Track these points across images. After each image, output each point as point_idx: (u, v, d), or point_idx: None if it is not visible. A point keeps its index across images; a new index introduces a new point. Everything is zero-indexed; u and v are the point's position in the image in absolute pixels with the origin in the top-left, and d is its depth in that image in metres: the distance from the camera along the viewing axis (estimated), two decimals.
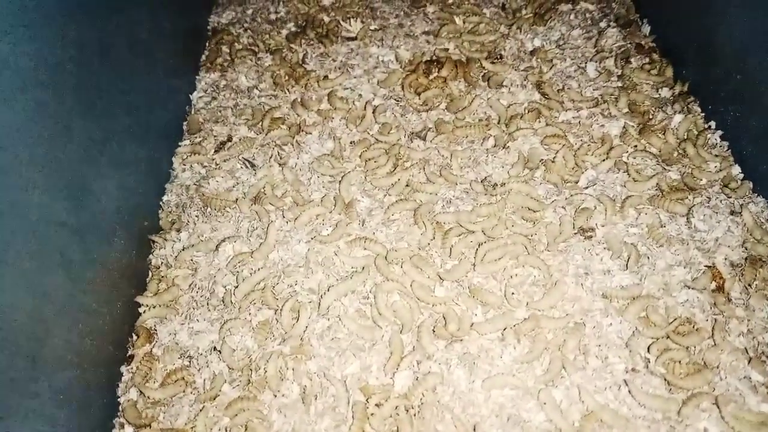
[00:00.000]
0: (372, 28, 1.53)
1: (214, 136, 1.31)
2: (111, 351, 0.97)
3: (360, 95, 1.36)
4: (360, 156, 1.22)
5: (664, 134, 1.19)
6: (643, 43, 1.40)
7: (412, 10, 1.58)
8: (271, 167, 1.22)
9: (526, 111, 1.26)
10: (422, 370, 0.91)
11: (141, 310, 1.05)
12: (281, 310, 0.99)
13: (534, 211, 1.08)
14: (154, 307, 1.04)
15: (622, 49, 1.39)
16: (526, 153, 1.19)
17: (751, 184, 1.09)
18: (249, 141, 1.27)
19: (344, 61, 1.45)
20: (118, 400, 0.96)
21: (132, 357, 0.99)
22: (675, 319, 0.92)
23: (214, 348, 0.98)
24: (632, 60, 1.36)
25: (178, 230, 1.14)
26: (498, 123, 1.26)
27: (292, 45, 1.51)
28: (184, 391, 0.95)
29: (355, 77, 1.40)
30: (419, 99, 1.32)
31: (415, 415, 0.87)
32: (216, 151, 1.27)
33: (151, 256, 1.12)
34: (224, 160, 1.25)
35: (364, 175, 1.18)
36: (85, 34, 0.95)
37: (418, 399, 0.88)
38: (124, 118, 1.07)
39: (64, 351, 0.84)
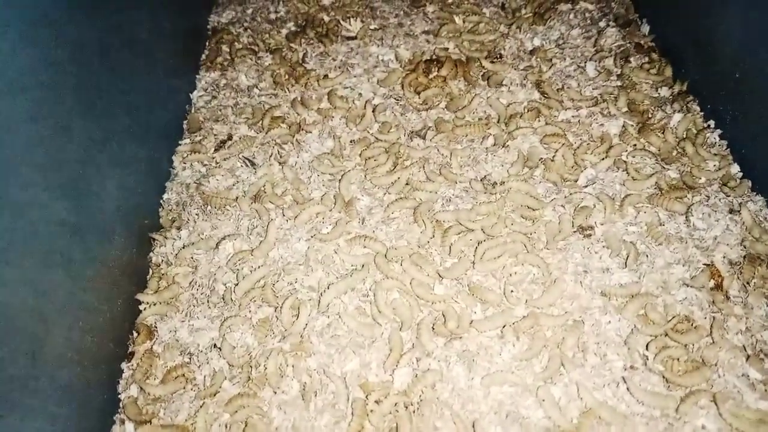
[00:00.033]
0: (372, 27, 1.54)
1: (215, 135, 1.31)
2: (111, 348, 0.97)
3: (360, 94, 1.36)
4: (360, 155, 1.22)
5: (663, 133, 1.19)
6: (642, 42, 1.41)
7: (412, 9, 1.59)
8: (271, 166, 1.22)
9: (526, 110, 1.27)
10: (421, 367, 0.92)
11: (141, 307, 1.05)
12: (281, 307, 0.99)
13: (533, 210, 1.08)
14: (155, 305, 1.04)
15: (622, 48, 1.39)
16: (525, 152, 1.19)
17: (749, 183, 1.09)
18: (249, 140, 1.27)
19: (344, 60, 1.46)
20: (119, 396, 0.96)
21: (132, 354, 1.00)
22: (673, 317, 0.92)
23: (215, 345, 0.98)
24: (631, 59, 1.36)
25: (179, 228, 1.15)
26: (498, 122, 1.26)
27: (292, 44, 1.52)
28: (184, 388, 0.95)
29: (355, 76, 1.41)
30: (419, 98, 1.33)
31: (414, 411, 0.88)
32: (216, 150, 1.28)
33: (151, 254, 1.13)
34: (224, 159, 1.26)
35: (364, 173, 1.19)
36: (85, 34, 0.95)
37: (418, 396, 0.89)
38: (124, 117, 1.08)
39: (65, 348, 0.84)
